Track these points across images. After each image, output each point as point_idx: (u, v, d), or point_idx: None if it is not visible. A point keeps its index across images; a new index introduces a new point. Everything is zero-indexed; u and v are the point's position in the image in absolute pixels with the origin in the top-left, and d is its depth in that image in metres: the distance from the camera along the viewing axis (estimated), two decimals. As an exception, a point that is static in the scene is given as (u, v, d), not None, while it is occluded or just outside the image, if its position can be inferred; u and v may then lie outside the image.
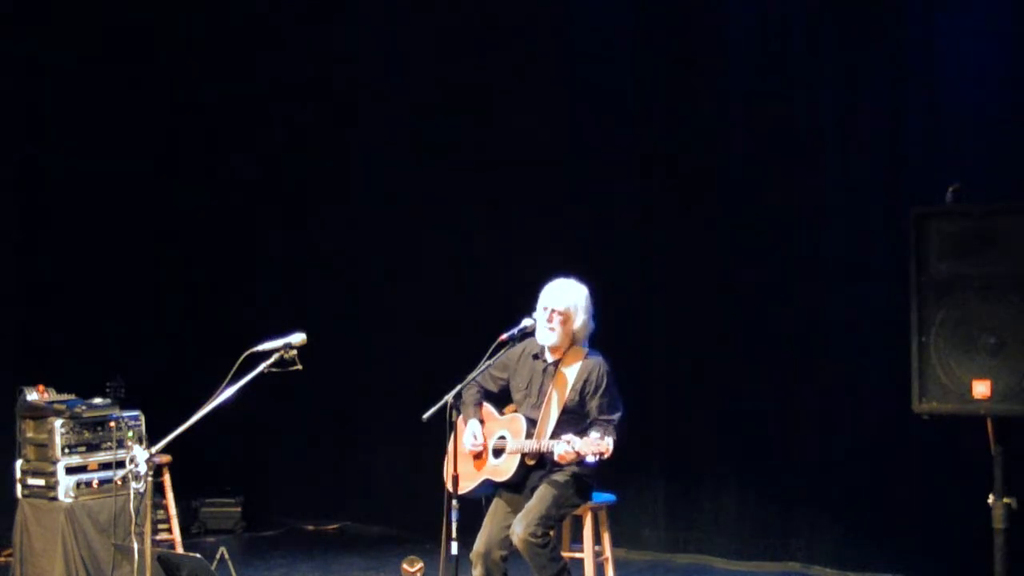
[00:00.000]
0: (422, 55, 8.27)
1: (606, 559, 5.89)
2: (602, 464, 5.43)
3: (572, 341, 5.46)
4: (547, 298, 5.43)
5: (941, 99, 6.49)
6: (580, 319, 5.42)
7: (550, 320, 5.38)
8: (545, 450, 5.25)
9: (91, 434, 6.52)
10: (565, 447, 5.11)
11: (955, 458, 6.12)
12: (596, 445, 5.03)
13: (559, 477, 5.35)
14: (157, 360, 8.47)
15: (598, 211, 7.59)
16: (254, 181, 8.97)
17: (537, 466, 5.40)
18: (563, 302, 5.41)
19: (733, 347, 7.11)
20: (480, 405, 5.60)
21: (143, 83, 8.72)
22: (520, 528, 5.21)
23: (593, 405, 5.35)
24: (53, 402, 6.52)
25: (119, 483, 6.24)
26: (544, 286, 5.47)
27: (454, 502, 5.03)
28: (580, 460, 5.15)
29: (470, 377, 5.31)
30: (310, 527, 8.50)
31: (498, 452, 5.47)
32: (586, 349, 5.47)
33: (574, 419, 5.32)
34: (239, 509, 8.35)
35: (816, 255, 6.88)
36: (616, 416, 5.31)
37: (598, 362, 5.42)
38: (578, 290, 5.46)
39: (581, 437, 5.10)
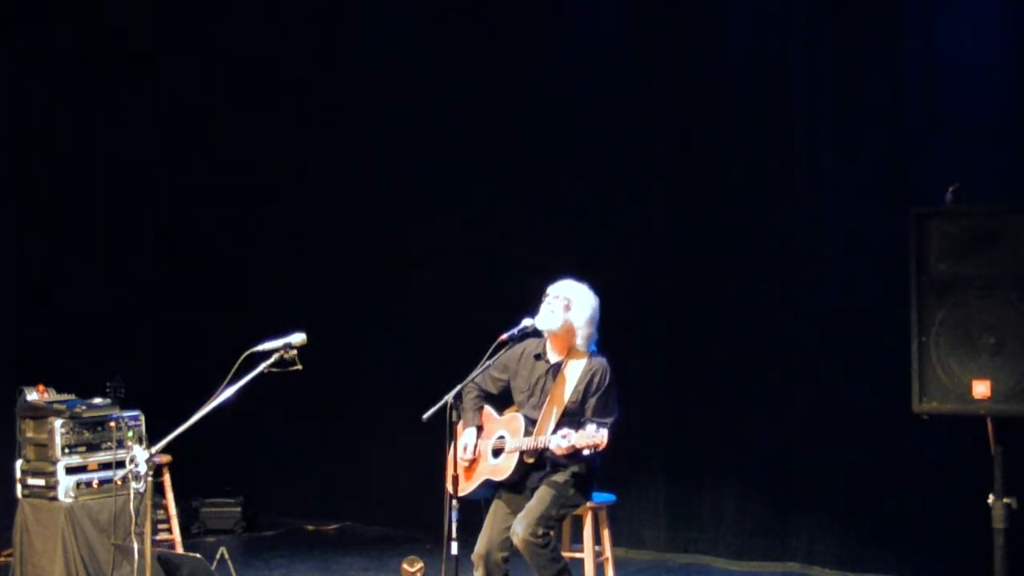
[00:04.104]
0: (421, 54, 8.26)
1: (606, 559, 5.89)
2: (601, 463, 5.46)
3: (573, 343, 5.46)
4: (553, 286, 5.47)
5: (941, 99, 6.49)
6: (583, 315, 5.41)
7: (551, 303, 5.41)
8: (542, 446, 5.26)
9: (91, 434, 6.51)
10: (560, 440, 5.13)
11: (955, 458, 6.12)
12: (591, 437, 5.05)
13: (559, 477, 5.35)
14: (157, 360, 8.47)
15: (598, 211, 7.59)
16: (254, 181, 8.96)
17: (537, 466, 5.39)
18: (565, 291, 5.43)
19: (733, 347, 7.11)
20: (480, 410, 5.59)
21: (144, 84, 8.72)
22: (521, 528, 5.21)
23: (589, 405, 5.35)
24: (53, 402, 6.51)
25: (119, 483, 6.24)
26: (548, 286, 5.50)
27: (454, 502, 5.04)
28: (576, 453, 5.15)
29: (470, 377, 5.32)
30: (310, 527, 8.50)
31: (497, 452, 5.48)
32: (589, 351, 5.47)
33: (574, 421, 5.31)
34: (239, 509, 8.34)
35: (816, 255, 6.88)
36: (610, 420, 5.29)
37: (602, 364, 5.42)
38: (585, 291, 5.47)
39: (577, 431, 5.12)
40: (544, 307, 5.43)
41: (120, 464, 6.29)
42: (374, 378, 8.40)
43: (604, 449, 5.12)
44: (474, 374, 5.32)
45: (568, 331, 5.44)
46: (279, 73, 8.87)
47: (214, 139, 8.98)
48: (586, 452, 5.11)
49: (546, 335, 5.49)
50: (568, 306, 5.41)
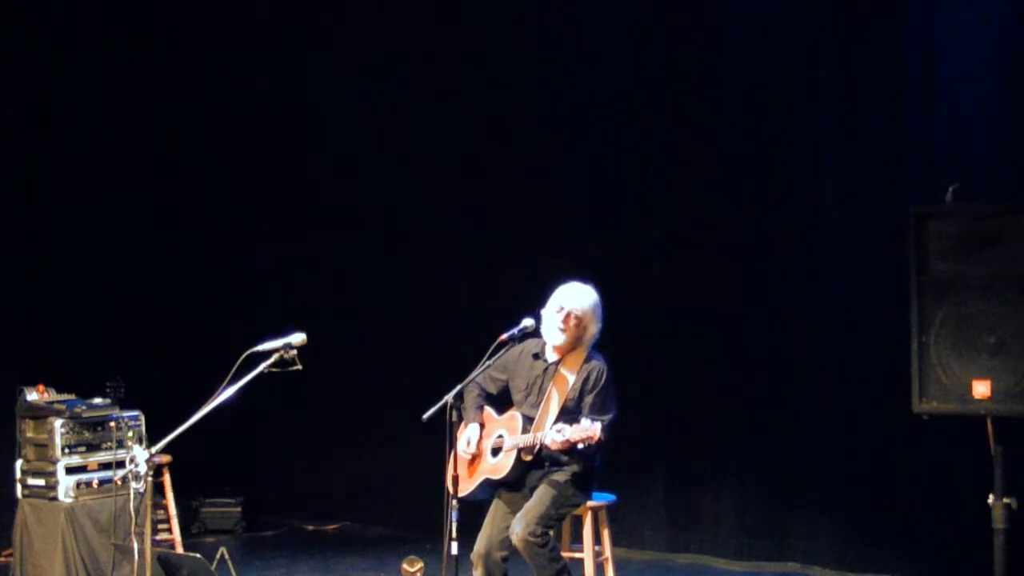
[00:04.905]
0: (419, 53, 8.25)
1: (606, 559, 5.89)
2: (601, 462, 5.46)
3: (577, 344, 5.47)
4: (565, 299, 5.42)
5: (941, 99, 6.48)
6: (595, 327, 5.44)
7: (564, 321, 5.39)
8: (539, 442, 5.26)
9: (91, 434, 6.51)
10: (555, 434, 5.13)
11: (955, 458, 6.12)
12: (585, 431, 5.05)
13: (559, 477, 5.35)
14: (157, 360, 8.46)
15: (598, 211, 7.59)
16: (253, 181, 8.96)
17: (536, 465, 5.40)
18: (582, 306, 5.41)
19: (733, 347, 7.11)
20: (481, 409, 5.60)
21: (144, 83, 8.71)
22: (520, 528, 5.21)
23: (586, 402, 5.35)
24: (53, 402, 6.52)
25: (119, 483, 6.25)
26: (553, 287, 5.49)
27: (454, 502, 5.04)
28: (572, 448, 5.15)
29: (470, 377, 5.31)
30: (310, 527, 8.50)
31: (496, 451, 5.48)
32: (588, 351, 5.47)
33: (572, 419, 5.30)
34: (239, 509, 8.34)
35: (816, 255, 6.88)
36: (606, 417, 5.28)
37: (599, 362, 5.43)
38: (590, 299, 5.46)
39: (572, 426, 5.13)
40: (554, 322, 5.40)
41: (120, 464, 6.30)
42: (374, 378, 8.40)
43: (599, 445, 5.13)
44: (474, 374, 5.32)
45: (574, 341, 5.45)
46: (279, 71, 8.86)
47: (213, 138, 8.97)
48: (581, 446, 5.11)
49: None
50: (578, 324, 5.41)
